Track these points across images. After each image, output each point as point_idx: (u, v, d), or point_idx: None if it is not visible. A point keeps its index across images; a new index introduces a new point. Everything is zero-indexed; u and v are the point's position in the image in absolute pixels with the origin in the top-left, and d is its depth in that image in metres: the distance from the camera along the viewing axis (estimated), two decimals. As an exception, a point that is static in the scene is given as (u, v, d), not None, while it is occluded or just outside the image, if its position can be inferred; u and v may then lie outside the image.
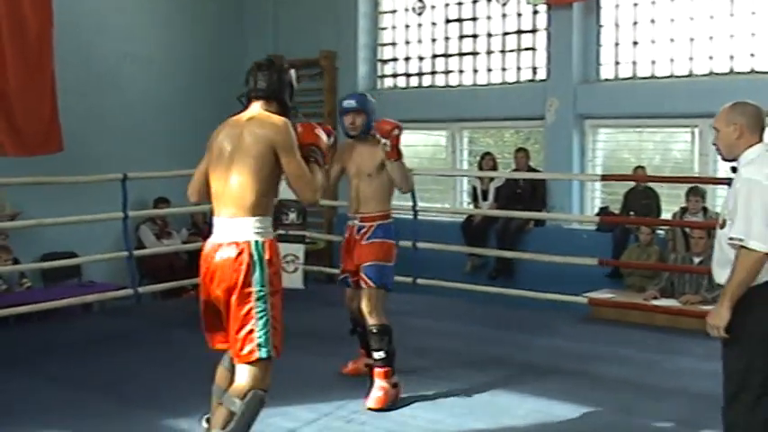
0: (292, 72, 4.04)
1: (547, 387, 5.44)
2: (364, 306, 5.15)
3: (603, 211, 8.83)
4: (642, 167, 8.50)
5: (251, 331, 3.67)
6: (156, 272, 9.18)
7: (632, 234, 8.32)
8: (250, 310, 3.67)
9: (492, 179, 9.26)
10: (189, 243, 9.57)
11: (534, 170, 9.13)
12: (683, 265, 7.50)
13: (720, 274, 3.55)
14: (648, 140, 9.11)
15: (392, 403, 5.04)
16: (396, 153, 5.11)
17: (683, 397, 5.24)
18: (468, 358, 6.17)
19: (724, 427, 3.56)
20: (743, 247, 3.38)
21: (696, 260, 7.42)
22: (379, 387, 5.07)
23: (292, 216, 8.27)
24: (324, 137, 4.08)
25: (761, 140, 3.56)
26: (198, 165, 4.02)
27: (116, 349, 6.52)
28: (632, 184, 8.57)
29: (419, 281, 8.02)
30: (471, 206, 9.63)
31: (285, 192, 7.96)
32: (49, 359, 6.23)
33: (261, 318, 3.68)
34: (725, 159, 3.66)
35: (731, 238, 3.43)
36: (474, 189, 9.51)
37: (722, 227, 3.53)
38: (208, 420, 3.93)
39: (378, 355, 5.13)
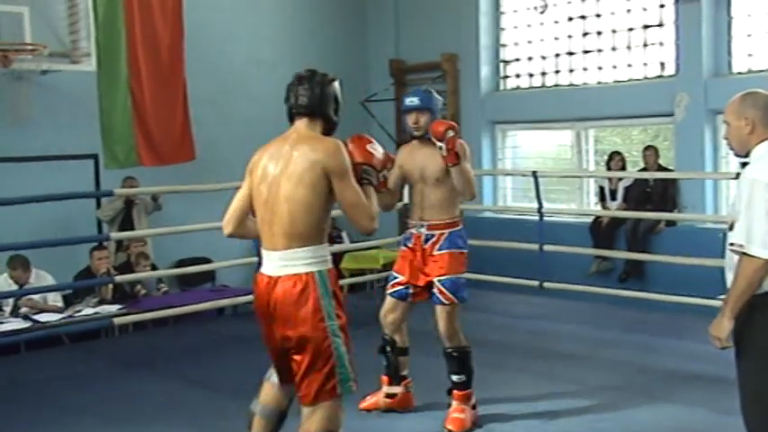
0: (336, 84, 3.68)
1: (685, 395, 5.28)
2: (442, 327, 4.77)
3: (739, 209, 8.46)
4: (779, 163, 8.11)
5: (332, 366, 3.40)
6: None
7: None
8: (329, 346, 3.39)
9: (621, 179, 9.04)
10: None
11: (665, 169, 8.86)
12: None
13: (730, 280, 3.24)
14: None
15: (472, 426, 4.80)
16: (454, 157, 4.64)
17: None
18: (599, 363, 6.05)
19: None
20: (744, 253, 3.08)
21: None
22: (459, 410, 4.81)
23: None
24: (378, 152, 3.69)
25: None
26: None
27: (246, 351, 6.67)
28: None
29: (546, 284, 7.91)
30: (599, 207, 9.42)
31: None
32: (185, 361, 6.46)
33: (338, 353, 3.41)
34: (737, 155, 3.33)
35: (731, 244, 3.14)
36: (601, 189, 9.31)
37: (731, 229, 3.19)
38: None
39: (457, 378, 4.82)
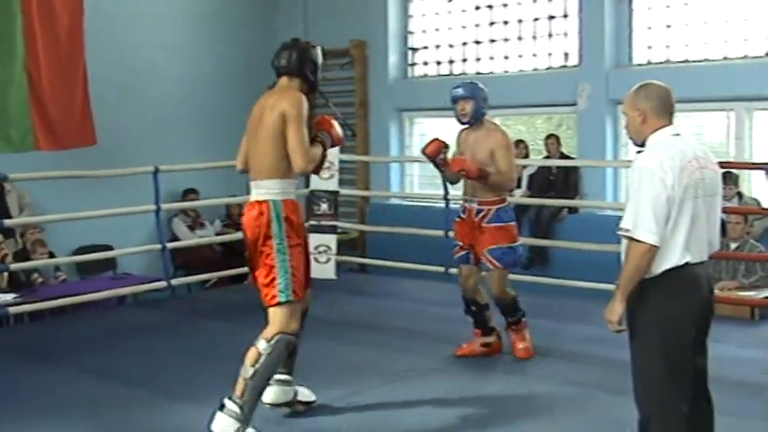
0: (317, 50, 4.47)
1: (583, 376, 5.40)
2: (494, 289, 5.63)
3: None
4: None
5: (273, 279, 4.17)
6: (190, 263, 9.23)
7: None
8: (272, 260, 4.18)
9: (525, 167, 9.18)
10: (222, 234, 9.61)
11: (567, 157, 9.04)
12: (719, 252, 7.37)
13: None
14: (682, 125, 8.97)
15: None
16: (482, 179, 5.46)
17: (723, 384, 5.12)
18: (504, 348, 6.12)
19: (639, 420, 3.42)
20: (631, 238, 3.23)
21: (732, 246, 7.31)
22: (520, 338, 5.79)
23: (324, 206, 8.25)
24: (339, 132, 4.49)
25: (669, 123, 3.40)
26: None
27: (150, 341, 6.56)
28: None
29: (451, 270, 7.96)
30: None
31: (315, 182, 7.93)
32: (84, 351, 6.28)
33: (281, 267, 4.17)
34: (636, 144, 3.49)
35: (620, 229, 3.29)
36: (506, 177, 9.43)
37: None
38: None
39: (511, 318, 5.77)
